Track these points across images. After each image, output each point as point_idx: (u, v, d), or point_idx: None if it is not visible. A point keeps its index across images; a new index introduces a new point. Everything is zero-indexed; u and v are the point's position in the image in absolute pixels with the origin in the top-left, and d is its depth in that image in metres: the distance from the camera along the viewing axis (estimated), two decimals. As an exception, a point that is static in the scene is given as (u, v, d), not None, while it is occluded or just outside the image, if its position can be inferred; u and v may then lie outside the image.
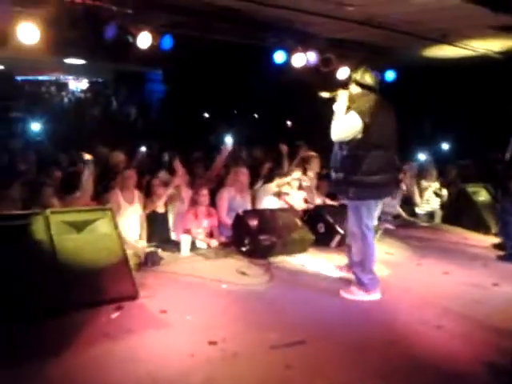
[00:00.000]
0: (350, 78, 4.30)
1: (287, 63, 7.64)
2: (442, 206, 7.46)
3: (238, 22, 6.91)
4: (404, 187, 7.53)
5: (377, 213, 4.40)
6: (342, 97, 4.15)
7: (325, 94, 4.31)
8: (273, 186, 6.20)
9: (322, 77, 8.31)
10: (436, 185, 7.45)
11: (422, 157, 8.40)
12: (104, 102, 17.19)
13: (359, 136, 3.97)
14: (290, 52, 7.52)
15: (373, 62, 8.61)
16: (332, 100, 4.23)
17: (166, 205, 5.46)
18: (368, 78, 4.14)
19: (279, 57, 7.59)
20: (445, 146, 10.12)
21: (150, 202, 5.33)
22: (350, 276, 4.39)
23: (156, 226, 5.29)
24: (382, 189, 4.16)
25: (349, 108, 4.07)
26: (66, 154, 7.24)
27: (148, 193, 5.44)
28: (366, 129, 3.96)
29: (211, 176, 5.79)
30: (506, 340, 3.36)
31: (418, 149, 8.80)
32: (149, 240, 5.18)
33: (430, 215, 7.43)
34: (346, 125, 4.02)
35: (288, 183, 6.29)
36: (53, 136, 9.61)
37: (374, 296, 4.14)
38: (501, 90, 8.00)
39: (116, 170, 5.90)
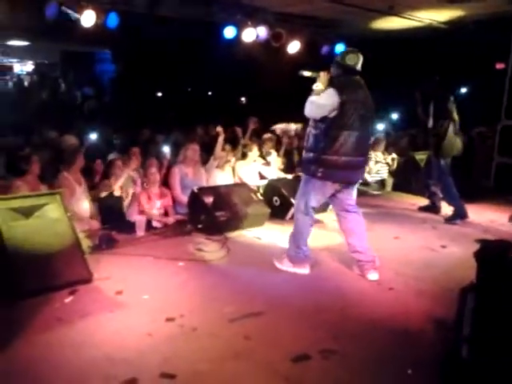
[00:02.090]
0: (333, 59, 4.13)
1: (237, 38, 7.58)
2: (392, 174, 7.67)
3: (184, -3, 6.77)
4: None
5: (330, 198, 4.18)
6: (323, 77, 4.03)
7: (306, 73, 4.20)
8: (212, 162, 6.18)
9: (274, 51, 8.30)
10: (380, 155, 7.63)
11: (379, 127, 8.57)
12: (52, 84, 16.58)
13: (332, 115, 3.85)
14: (239, 27, 7.45)
15: (323, 35, 8.70)
16: (313, 80, 4.10)
17: (121, 188, 5.36)
18: (349, 60, 3.99)
19: (229, 32, 7.51)
20: (394, 116, 10.36)
21: (107, 183, 5.23)
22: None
23: (111, 209, 5.18)
24: (349, 172, 3.97)
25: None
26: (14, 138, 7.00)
27: (106, 175, 5.33)
28: (341, 107, 3.82)
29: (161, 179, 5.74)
30: (451, 300, 3.50)
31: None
32: (104, 222, 5.09)
33: (381, 183, 7.63)
34: (321, 100, 3.88)
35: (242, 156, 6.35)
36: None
37: (300, 270, 4.13)
38: (445, 59, 8.21)
39: (67, 153, 5.73)
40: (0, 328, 3.10)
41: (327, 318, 3.37)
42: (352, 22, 8.07)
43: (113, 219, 5.05)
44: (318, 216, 5.77)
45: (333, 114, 3.85)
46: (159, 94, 14.49)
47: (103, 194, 5.18)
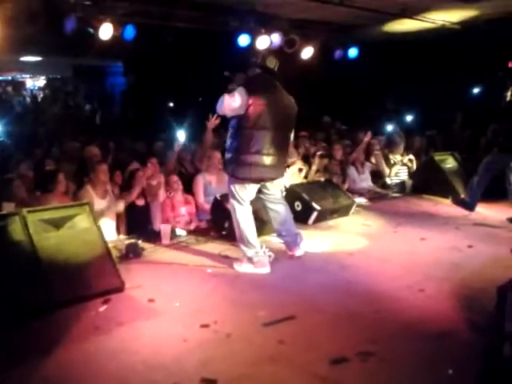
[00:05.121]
0: (248, 62, 4.29)
1: (251, 46, 7.64)
2: (411, 176, 7.65)
3: (199, 8, 6.88)
4: (373, 161, 7.71)
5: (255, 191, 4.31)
6: (239, 78, 4.22)
7: (226, 73, 4.40)
8: None
9: (287, 58, 8.35)
10: (399, 157, 7.62)
11: (389, 128, 8.55)
12: (63, 98, 16.81)
13: (242, 112, 3.95)
14: (253, 35, 7.51)
15: (336, 39, 8.75)
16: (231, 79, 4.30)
17: (145, 197, 5.41)
18: (268, 62, 4.20)
19: (243, 40, 7.59)
20: (408, 118, 10.35)
21: (127, 193, 5.28)
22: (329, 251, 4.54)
23: (136, 219, 5.22)
24: (263, 170, 4.08)
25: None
26: (37, 149, 7.11)
27: (127, 185, 5.38)
28: (251, 106, 3.93)
29: (167, 170, 5.83)
30: (483, 299, 3.47)
31: (384, 123, 8.97)
32: (129, 233, 5.13)
33: (401, 186, 7.61)
34: (231, 98, 3.98)
35: None
36: (14, 136, 9.36)
37: (262, 270, 4.18)
38: (458, 59, 8.21)
39: (90, 164, 5.80)
40: (37, 336, 3.13)
41: (361, 321, 3.36)
42: (365, 25, 8.11)
43: (138, 229, 5.08)
44: (341, 220, 5.82)
45: (241, 113, 3.96)
46: (171, 105, 14.59)
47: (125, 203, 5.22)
